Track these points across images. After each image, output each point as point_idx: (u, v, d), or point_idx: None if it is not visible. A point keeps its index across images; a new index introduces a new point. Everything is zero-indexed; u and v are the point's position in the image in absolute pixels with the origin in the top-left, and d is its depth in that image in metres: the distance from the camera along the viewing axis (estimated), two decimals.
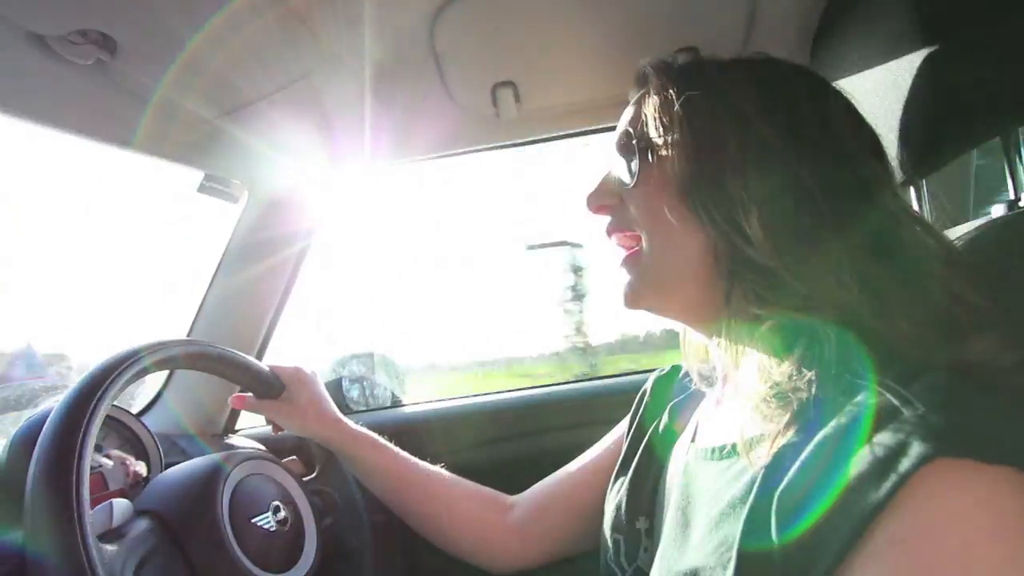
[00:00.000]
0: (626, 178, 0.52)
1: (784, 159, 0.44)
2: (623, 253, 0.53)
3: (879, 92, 0.55)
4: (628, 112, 0.55)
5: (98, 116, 0.73)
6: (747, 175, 0.44)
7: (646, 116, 0.51)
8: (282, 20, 0.63)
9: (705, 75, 0.50)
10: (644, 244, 0.50)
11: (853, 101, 0.48)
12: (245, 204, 1.01)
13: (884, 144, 0.48)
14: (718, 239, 0.45)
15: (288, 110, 0.80)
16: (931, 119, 0.50)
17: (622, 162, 0.52)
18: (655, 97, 0.50)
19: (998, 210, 0.53)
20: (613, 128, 0.57)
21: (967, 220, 0.56)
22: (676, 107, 0.48)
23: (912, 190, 0.63)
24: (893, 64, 0.53)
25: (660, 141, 0.49)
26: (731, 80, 0.48)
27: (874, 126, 0.48)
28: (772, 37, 0.74)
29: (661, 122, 0.49)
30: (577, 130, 0.95)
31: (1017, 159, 0.55)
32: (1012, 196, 0.53)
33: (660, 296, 0.51)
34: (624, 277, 0.52)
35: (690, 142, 0.47)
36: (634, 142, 0.50)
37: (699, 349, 0.59)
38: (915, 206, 0.63)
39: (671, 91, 0.49)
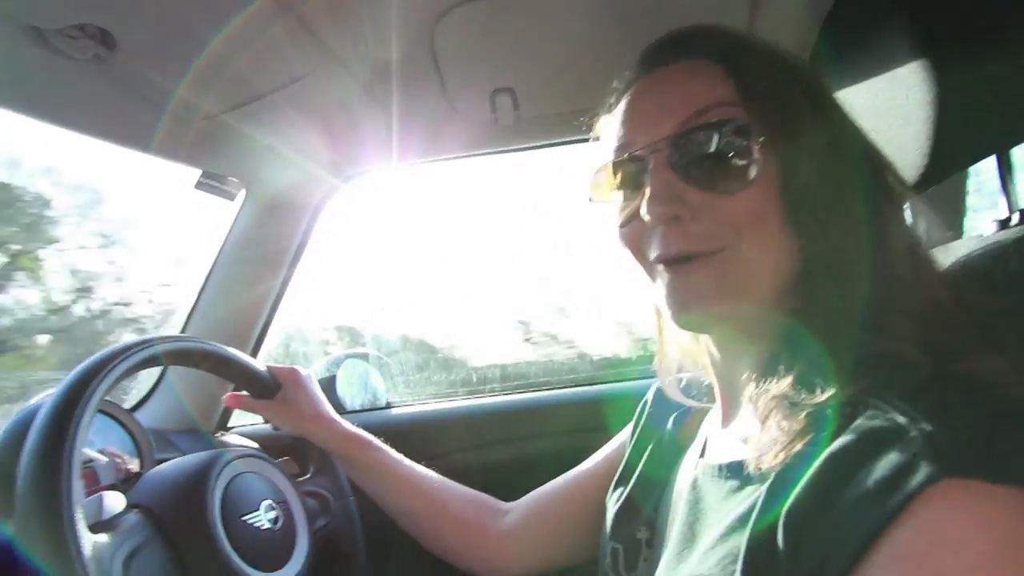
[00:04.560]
0: (722, 181, 0.42)
1: (856, 161, 0.43)
2: (692, 259, 0.44)
3: (875, 109, 0.55)
4: (676, 85, 0.45)
5: (95, 112, 0.73)
6: (839, 180, 0.42)
7: (719, 96, 0.43)
8: (284, 20, 0.63)
9: (777, 59, 0.45)
10: (743, 252, 0.42)
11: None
12: (242, 202, 1.01)
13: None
14: (819, 251, 0.42)
15: (287, 110, 0.81)
16: (926, 137, 0.51)
17: (710, 159, 0.42)
18: (729, 77, 0.43)
19: (990, 228, 0.53)
20: None
21: (959, 238, 0.57)
22: (776, 95, 0.42)
23: (907, 207, 0.63)
24: (889, 82, 0.53)
25: (766, 135, 0.42)
26: (805, 71, 0.46)
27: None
28: None
29: (759, 111, 0.42)
30: (575, 138, 0.95)
31: (1010, 178, 0.55)
32: (1006, 215, 0.53)
33: (739, 308, 0.44)
34: (700, 289, 0.44)
35: (804, 141, 0.42)
36: (732, 137, 0.42)
37: (697, 361, 0.58)
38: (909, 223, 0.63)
39: (759, 74, 0.43)
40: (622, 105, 0.49)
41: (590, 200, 0.52)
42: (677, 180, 0.43)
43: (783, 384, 0.40)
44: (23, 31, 0.57)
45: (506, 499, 0.79)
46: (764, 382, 0.43)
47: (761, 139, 0.42)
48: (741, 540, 0.37)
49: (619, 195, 0.49)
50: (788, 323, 0.44)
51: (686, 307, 0.45)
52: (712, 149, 0.42)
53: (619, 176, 0.48)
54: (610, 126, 0.50)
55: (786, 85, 0.44)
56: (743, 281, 0.43)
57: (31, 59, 0.60)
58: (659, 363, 0.61)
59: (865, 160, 0.45)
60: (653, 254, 0.45)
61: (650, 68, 0.48)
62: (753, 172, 0.42)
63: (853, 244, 0.42)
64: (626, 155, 0.47)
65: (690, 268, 0.44)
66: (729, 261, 0.43)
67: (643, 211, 0.44)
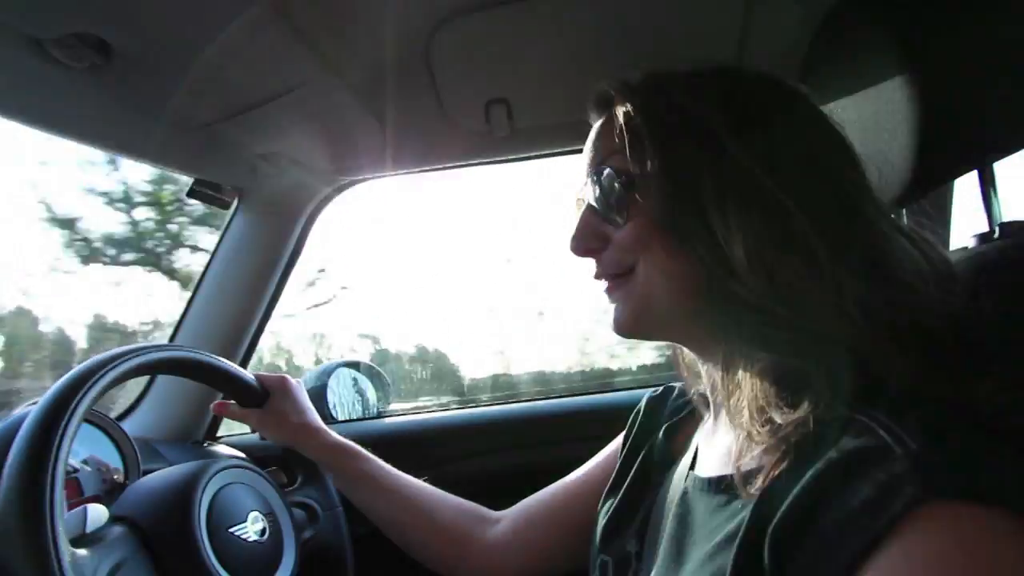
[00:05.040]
0: (611, 219, 0.49)
1: (761, 183, 0.41)
2: (610, 281, 0.51)
3: (861, 123, 0.56)
4: (593, 139, 0.53)
5: (91, 120, 0.73)
6: (725, 203, 0.42)
7: (616, 146, 0.48)
8: (279, 30, 0.64)
9: (668, 94, 0.48)
10: (639, 274, 0.48)
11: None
12: (235, 210, 1.01)
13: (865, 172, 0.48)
14: (708, 275, 0.43)
15: (282, 119, 0.81)
16: (911, 151, 0.52)
17: (603, 200, 0.50)
18: (621, 123, 0.48)
19: (972, 242, 0.54)
20: None
21: (946, 250, 0.57)
22: (645, 135, 0.46)
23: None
24: (875, 95, 0.54)
25: (636, 173, 0.47)
26: (696, 97, 0.46)
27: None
28: (761, 64, 0.75)
29: (634, 153, 0.47)
30: (568, 148, 0.96)
31: (992, 192, 0.56)
32: (987, 229, 0.54)
33: (653, 325, 0.50)
34: (617, 305, 0.51)
35: (664, 172, 0.45)
36: (614, 182, 0.48)
37: (694, 371, 0.59)
38: None
39: (637, 117, 0.47)
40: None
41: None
42: (596, 219, 0.51)
43: (751, 401, 0.41)
44: (21, 41, 0.57)
45: (499, 509, 0.78)
46: (737, 398, 0.43)
47: (638, 178, 0.47)
48: (727, 559, 0.37)
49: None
50: (776, 348, 0.43)
51: (613, 320, 0.51)
52: (606, 191, 0.50)
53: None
54: None
55: (662, 122, 0.46)
56: (647, 299, 0.48)
57: (28, 68, 0.60)
58: (679, 369, 0.62)
59: (798, 181, 0.42)
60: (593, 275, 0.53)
61: (595, 119, 0.55)
62: (633, 206, 0.48)
63: (736, 254, 0.41)
64: (576, 195, 0.55)
65: (611, 288, 0.52)
66: (633, 282, 0.49)
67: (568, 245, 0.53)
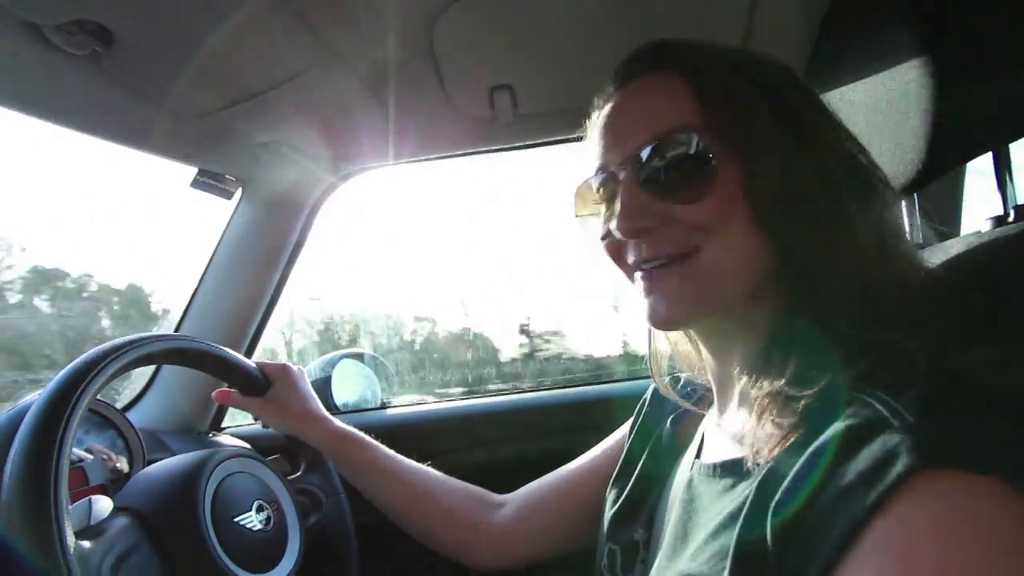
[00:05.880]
0: (676, 194, 0.45)
1: (824, 160, 0.43)
2: (663, 264, 0.46)
3: (872, 106, 0.55)
4: (644, 105, 0.47)
5: (92, 108, 0.72)
6: (804, 178, 0.43)
7: (685, 115, 0.45)
8: (280, 15, 0.63)
9: (741, 65, 0.46)
10: (705, 255, 0.45)
11: (848, 114, 0.48)
12: (239, 201, 1.01)
13: (877, 157, 0.48)
14: (786, 260, 0.44)
15: (285, 107, 0.80)
16: (923, 134, 0.51)
17: (670, 174, 0.45)
18: (690, 90, 0.45)
19: (986, 226, 0.53)
20: None
21: (957, 235, 0.56)
22: (737, 109, 0.44)
23: (903, 204, 0.63)
24: (886, 79, 0.53)
25: (722, 145, 0.44)
26: (774, 74, 0.46)
27: (867, 140, 0.48)
28: (769, 50, 0.74)
29: (718, 126, 0.44)
30: (572, 135, 0.95)
31: (1007, 175, 0.55)
32: (1001, 212, 0.53)
33: (709, 311, 0.47)
34: (667, 290, 0.46)
35: (764, 146, 0.43)
36: (689, 154, 0.44)
37: (691, 362, 0.59)
38: (906, 220, 0.63)
39: (721, 88, 0.44)
40: (601, 119, 0.51)
41: (576, 216, 0.55)
42: (644, 194, 0.46)
43: (776, 380, 0.41)
44: (21, 27, 0.56)
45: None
46: (757, 379, 0.43)
47: (718, 150, 0.44)
48: (731, 537, 0.37)
49: (600, 208, 0.51)
50: (774, 320, 0.45)
51: (657, 310, 0.47)
52: (673, 163, 0.45)
53: (599, 192, 0.51)
54: (592, 138, 0.52)
55: (747, 95, 0.45)
56: (713, 281, 0.45)
57: (28, 55, 0.60)
58: (652, 365, 0.62)
59: (841, 160, 0.45)
60: (630, 260, 0.48)
61: (623, 82, 0.50)
62: (713, 181, 0.44)
63: (827, 242, 0.42)
64: (602, 173, 0.49)
65: (662, 272, 0.46)
66: (698, 263, 0.45)
67: (613, 226, 0.47)
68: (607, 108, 0.50)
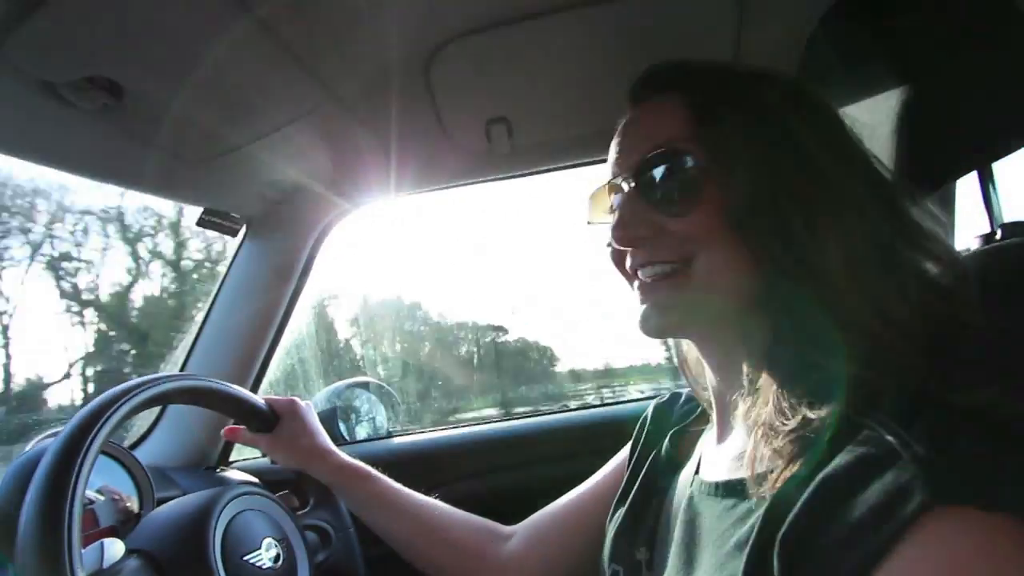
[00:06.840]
0: (669, 207, 0.47)
1: (834, 182, 0.43)
2: (657, 276, 0.48)
3: (859, 126, 0.56)
4: (644, 122, 0.50)
5: (104, 158, 0.75)
6: (807, 200, 0.42)
7: (680, 130, 0.47)
8: (282, 62, 0.66)
9: (742, 86, 0.47)
10: (698, 267, 0.46)
11: None
12: (243, 237, 1.03)
13: None
14: (776, 274, 0.43)
15: (287, 148, 0.83)
16: (910, 153, 0.52)
17: (663, 186, 0.47)
18: (687, 110, 0.47)
19: (975, 244, 0.54)
20: (602, 160, 0.56)
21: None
22: (727, 124, 0.45)
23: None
24: (872, 100, 0.55)
25: (709, 161, 0.45)
26: (773, 94, 0.46)
27: None
28: None
29: (710, 140, 0.45)
30: (568, 163, 0.97)
31: (992, 193, 0.56)
32: (988, 229, 0.54)
33: (700, 323, 0.49)
34: (659, 301, 0.48)
35: (744, 164, 0.44)
36: (681, 168, 0.46)
37: (698, 372, 0.59)
38: None
39: (714, 104, 0.46)
40: (616, 135, 0.54)
41: (588, 223, 0.59)
42: (641, 205, 0.48)
43: (773, 403, 0.40)
44: (35, 85, 0.59)
45: (511, 525, 0.77)
46: (755, 400, 0.43)
47: (707, 166, 0.46)
48: (739, 567, 0.37)
49: (609, 216, 0.53)
50: (772, 336, 0.45)
51: (648, 318, 0.49)
52: (666, 177, 0.47)
53: (609, 200, 0.54)
54: (610, 152, 0.55)
55: (735, 114, 0.46)
56: (705, 293, 0.46)
57: (43, 111, 0.62)
58: (683, 371, 0.62)
59: (833, 180, 0.44)
60: (628, 266, 0.51)
61: (634, 103, 0.54)
62: (699, 196, 0.46)
63: (803, 264, 0.42)
64: (608, 183, 0.53)
65: (654, 284, 0.49)
66: (691, 274, 0.47)
67: (611, 235, 0.50)
68: (623, 123, 0.54)
